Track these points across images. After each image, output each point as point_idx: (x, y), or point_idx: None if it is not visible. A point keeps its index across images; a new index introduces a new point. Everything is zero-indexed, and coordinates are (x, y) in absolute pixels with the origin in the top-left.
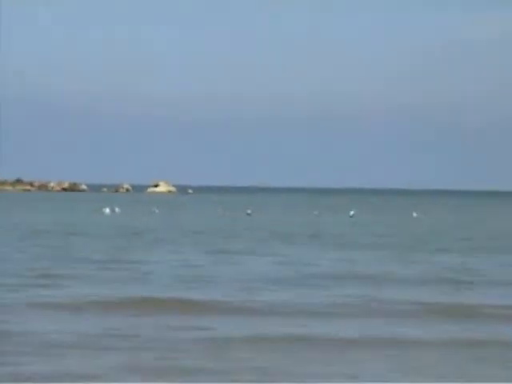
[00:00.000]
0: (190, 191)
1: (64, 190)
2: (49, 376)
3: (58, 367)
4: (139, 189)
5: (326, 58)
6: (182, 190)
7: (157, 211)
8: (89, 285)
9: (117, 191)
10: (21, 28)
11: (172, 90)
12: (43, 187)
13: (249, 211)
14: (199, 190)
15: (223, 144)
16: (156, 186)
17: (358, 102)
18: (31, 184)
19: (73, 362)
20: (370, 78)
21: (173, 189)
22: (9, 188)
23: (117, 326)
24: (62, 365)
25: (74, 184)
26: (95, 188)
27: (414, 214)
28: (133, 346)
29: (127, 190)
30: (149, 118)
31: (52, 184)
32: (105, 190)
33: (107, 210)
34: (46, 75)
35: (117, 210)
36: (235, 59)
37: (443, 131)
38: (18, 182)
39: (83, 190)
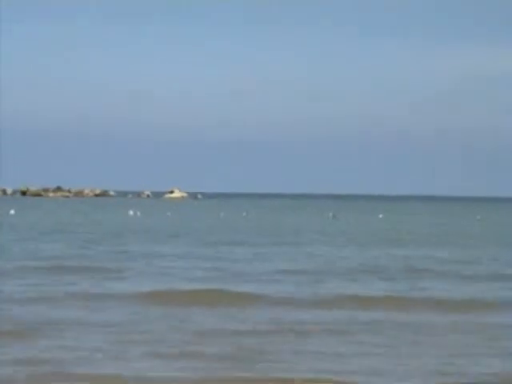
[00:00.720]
0: (199, 196)
1: (96, 195)
2: None
3: None
4: (158, 195)
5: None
6: (192, 195)
7: (169, 214)
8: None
9: (139, 196)
10: None
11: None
12: (79, 193)
13: (244, 213)
14: (206, 195)
15: (228, 158)
16: (171, 192)
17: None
18: (69, 191)
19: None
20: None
21: (185, 195)
22: (51, 194)
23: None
24: None
25: (105, 191)
26: (121, 194)
27: (380, 216)
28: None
29: (148, 195)
30: (165, 133)
31: (86, 191)
32: (130, 195)
33: (131, 213)
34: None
35: (138, 213)
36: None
37: None
38: (59, 189)
39: (111, 196)
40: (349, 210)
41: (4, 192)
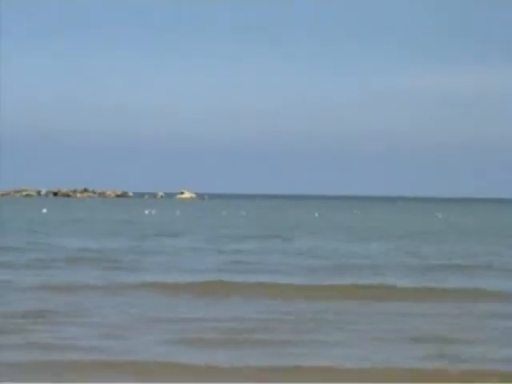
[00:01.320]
0: (206, 197)
1: (117, 196)
2: None
3: None
4: (170, 195)
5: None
6: (200, 196)
7: (178, 212)
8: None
9: (154, 197)
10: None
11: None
12: (102, 194)
13: (243, 213)
14: (212, 196)
15: (232, 160)
16: (182, 193)
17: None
18: (94, 192)
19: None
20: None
21: (193, 195)
22: (79, 195)
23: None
24: None
25: (124, 192)
26: (139, 195)
27: (354, 211)
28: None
29: (161, 196)
30: (175, 142)
31: (109, 192)
32: (146, 196)
33: (146, 211)
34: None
35: (153, 211)
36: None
37: None
38: (85, 190)
39: (130, 197)
40: (333, 208)
41: (38, 193)
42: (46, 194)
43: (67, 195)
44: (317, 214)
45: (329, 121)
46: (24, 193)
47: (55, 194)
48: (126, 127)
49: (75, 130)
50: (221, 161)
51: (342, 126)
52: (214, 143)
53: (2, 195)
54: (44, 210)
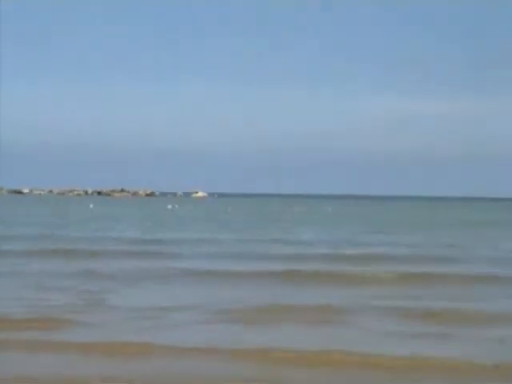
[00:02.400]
0: (216, 196)
1: (146, 195)
2: None
3: None
4: (187, 194)
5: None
6: (211, 195)
7: (190, 207)
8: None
9: (175, 196)
10: None
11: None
12: (135, 194)
13: (229, 209)
14: (221, 195)
15: (238, 163)
16: (196, 192)
17: None
18: (128, 191)
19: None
20: None
21: (206, 194)
22: (116, 194)
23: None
24: None
25: (152, 192)
26: (163, 194)
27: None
28: None
29: (180, 195)
30: (191, 148)
31: (140, 192)
32: (168, 195)
33: (169, 207)
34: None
35: (176, 206)
36: None
37: None
38: (122, 190)
39: (156, 196)
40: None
41: (86, 192)
42: (92, 193)
43: (108, 194)
44: (298, 209)
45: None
46: (75, 192)
47: (99, 193)
48: (151, 140)
49: (114, 141)
50: (228, 165)
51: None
52: (222, 150)
53: (59, 194)
54: (91, 206)
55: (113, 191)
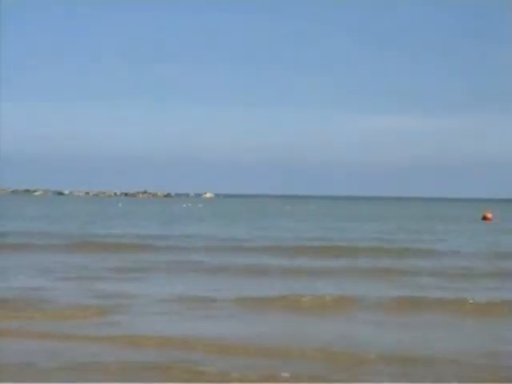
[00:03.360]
0: (221, 197)
1: (164, 196)
2: None
3: None
4: (198, 195)
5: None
6: (217, 195)
7: (200, 205)
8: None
9: (187, 196)
10: None
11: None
12: (155, 195)
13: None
14: (226, 196)
15: (243, 166)
16: (205, 193)
17: None
18: (149, 193)
19: None
20: None
21: (213, 195)
22: (140, 195)
23: None
24: None
25: (169, 193)
26: (177, 195)
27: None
28: None
29: (192, 196)
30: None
31: (159, 193)
32: (182, 196)
33: (184, 205)
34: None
35: (189, 205)
36: None
37: None
38: (145, 192)
39: (172, 196)
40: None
41: (115, 194)
42: (120, 195)
43: (133, 195)
44: (289, 207)
45: None
46: (106, 194)
47: (126, 194)
48: (167, 150)
49: (137, 152)
50: (235, 169)
51: None
52: (230, 156)
53: (94, 195)
54: (120, 204)
55: (137, 193)
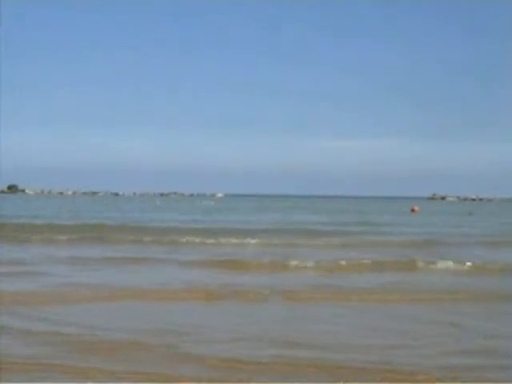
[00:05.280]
0: (230, 196)
1: (189, 195)
2: None
3: None
4: (212, 195)
5: None
6: (227, 195)
7: (212, 203)
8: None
9: (204, 196)
10: None
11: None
12: (182, 195)
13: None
14: (235, 195)
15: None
16: (217, 193)
17: None
18: (176, 193)
19: None
20: None
21: (222, 195)
22: (172, 195)
23: None
24: None
25: (192, 193)
26: (198, 195)
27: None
28: None
29: (207, 195)
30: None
31: (185, 194)
32: (200, 196)
33: (203, 203)
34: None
35: (204, 202)
36: None
37: None
38: (174, 193)
39: (194, 196)
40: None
41: (154, 194)
42: (157, 195)
43: (167, 195)
44: (281, 204)
45: None
46: (149, 194)
47: (162, 195)
48: (189, 159)
49: (169, 161)
50: (239, 174)
51: None
52: (237, 162)
53: (140, 195)
54: (157, 202)
55: (170, 193)
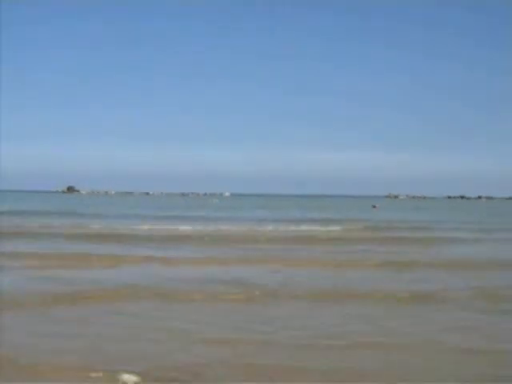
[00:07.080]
0: (236, 195)
1: (203, 195)
2: None
3: None
4: (221, 194)
5: None
6: (233, 194)
7: (216, 201)
8: None
9: (214, 195)
10: None
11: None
12: (198, 195)
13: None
14: (241, 194)
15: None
16: (225, 193)
17: None
18: (195, 193)
19: None
20: None
21: (229, 194)
22: (189, 195)
23: None
24: None
25: (206, 193)
26: (210, 194)
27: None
28: None
29: (216, 194)
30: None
31: (200, 194)
32: (211, 195)
33: (214, 201)
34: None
35: (215, 201)
36: None
37: None
38: (193, 192)
39: (207, 195)
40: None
41: (204, 194)
42: (179, 194)
43: (186, 194)
44: (276, 203)
45: None
46: (173, 193)
47: (182, 194)
48: (203, 166)
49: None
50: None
51: None
52: (243, 166)
53: (166, 194)
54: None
55: (188, 193)
